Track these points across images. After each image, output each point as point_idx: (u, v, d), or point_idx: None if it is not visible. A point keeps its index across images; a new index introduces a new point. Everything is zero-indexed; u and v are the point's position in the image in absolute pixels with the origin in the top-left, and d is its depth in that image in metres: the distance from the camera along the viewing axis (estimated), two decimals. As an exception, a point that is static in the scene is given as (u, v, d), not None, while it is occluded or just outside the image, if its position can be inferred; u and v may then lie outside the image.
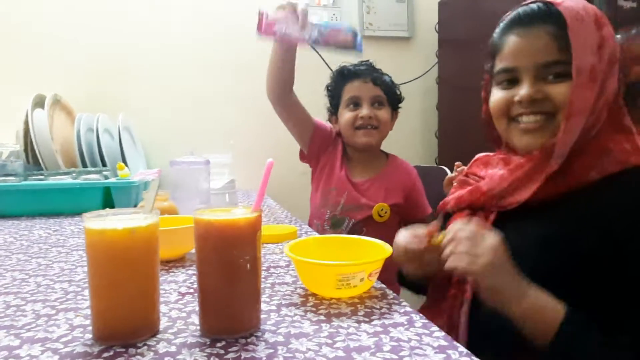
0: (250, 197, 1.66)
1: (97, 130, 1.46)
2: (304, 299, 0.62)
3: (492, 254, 0.60)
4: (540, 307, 0.60)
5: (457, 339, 0.69)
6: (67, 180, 1.27)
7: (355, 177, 1.36)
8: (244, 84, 1.36)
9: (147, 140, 1.81)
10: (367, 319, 0.55)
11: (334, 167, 1.36)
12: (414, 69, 2.03)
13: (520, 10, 0.72)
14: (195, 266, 0.53)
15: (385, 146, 1.40)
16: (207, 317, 0.51)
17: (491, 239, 0.62)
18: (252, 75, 1.27)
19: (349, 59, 1.38)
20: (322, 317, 0.56)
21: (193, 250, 0.53)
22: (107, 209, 0.53)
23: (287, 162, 1.55)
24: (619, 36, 1.04)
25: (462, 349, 0.48)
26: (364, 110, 1.30)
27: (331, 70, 1.43)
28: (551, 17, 0.67)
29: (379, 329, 0.52)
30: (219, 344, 0.48)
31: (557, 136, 0.66)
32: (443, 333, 0.51)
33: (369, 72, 1.33)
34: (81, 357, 0.46)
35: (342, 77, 1.36)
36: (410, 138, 2.12)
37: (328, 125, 1.42)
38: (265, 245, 0.92)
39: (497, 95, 0.74)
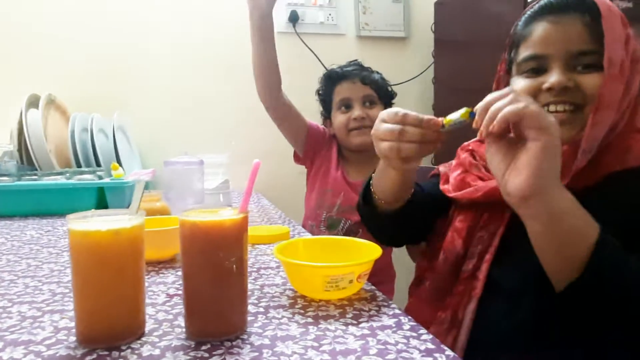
0: (245, 197, 1.66)
1: (92, 130, 1.45)
2: (292, 300, 0.62)
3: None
4: (582, 214, 0.55)
5: (458, 335, 0.69)
6: (60, 180, 1.27)
7: (352, 177, 1.36)
8: (240, 84, 1.36)
9: (142, 140, 1.80)
10: (355, 322, 0.55)
11: (329, 169, 1.36)
12: (410, 69, 2.03)
13: None
14: (181, 268, 0.52)
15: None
16: (193, 320, 0.51)
17: None
18: (248, 75, 1.26)
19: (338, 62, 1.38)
20: (309, 320, 0.55)
21: (180, 252, 0.53)
22: (93, 210, 0.52)
23: (284, 163, 1.55)
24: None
25: (449, 352, 0.47)
26: (356, 112, 1.30)
27: (327, 70, 1.43)
28: (584, 6, 0.66)
29: (366, 331, 0.52)
30: (203, 347, 0.48)
31: (584, 130, 0.64)
32: (431, 336, 0.51)
33: (357, 73, 1.33)
34: (64, 360, 0.45)
35: (330, 80, 1.36)
36: (407, 138, 2.11)
37: (321, 126, 1.42)
38: (256, 246, 0.91)
39: (521, 83, 0.70)
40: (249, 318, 0.55)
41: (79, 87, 1.73)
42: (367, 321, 0.55)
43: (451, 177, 0.80)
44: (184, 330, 0.52)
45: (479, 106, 0.57)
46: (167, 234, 0.76)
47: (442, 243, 0.77)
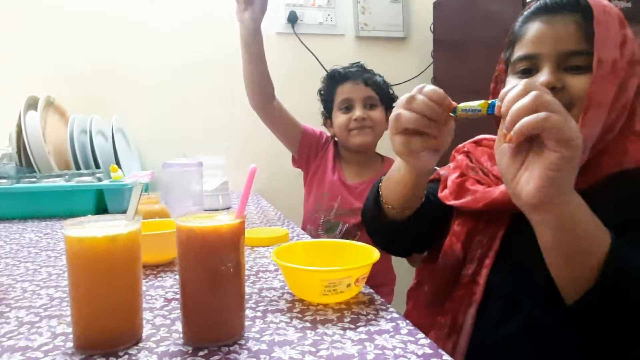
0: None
1: (91, 132, 1.45)
2: (290, 304, 0.62)
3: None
4: (594, 220, 0.53)
5: (458, 340, 0.69)
6: (59, 182, 1.27)
7: (350, 179, 1.36)
8: (239, 86, 1.36)
9: (141, 141, 1.80)
10: (352, 326, 0.54)
11: (325, 172, 1.36)
12: (409, 70, 2.03)
13: None
14: (178, 273, 0.52)
15: (381, 148, 1.40)
16: (190, 325, 0.51)
17: None
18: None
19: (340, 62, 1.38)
20: (307, 324, 0.55)
21: (178, 257, 0.53)
22: (90, 215, 0.52)
23: (284, 164, 1.55)
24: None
25: (447, 357, 0.47)
26: (357, 112, 1.30)
27: (327, 72, 1.43)
28: (578, 8, 0.66)
29: (364, 336, 0.52)
30: (201, 353, 0.48)
31: None
32: (429, 340, 0.51)
33: (359, 74, 1.33)
34: (60, 367, 0.45)
35: (333, 80, 1.36)
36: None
37: (317, 130, 1.42)
38: (255, 248, 0.91)
39: (513, 83, 0.70)
40: (247, 322, 0.55)
41: (77, 89, 1.73)
42: (364, 325, 0.55)
43: (449, 180, 0.79)
44: (181, 335, 0.52)
45: (498, 104, 0.54)
46: (166, 237, 0.76)
47: (441, 247, 0.77)
